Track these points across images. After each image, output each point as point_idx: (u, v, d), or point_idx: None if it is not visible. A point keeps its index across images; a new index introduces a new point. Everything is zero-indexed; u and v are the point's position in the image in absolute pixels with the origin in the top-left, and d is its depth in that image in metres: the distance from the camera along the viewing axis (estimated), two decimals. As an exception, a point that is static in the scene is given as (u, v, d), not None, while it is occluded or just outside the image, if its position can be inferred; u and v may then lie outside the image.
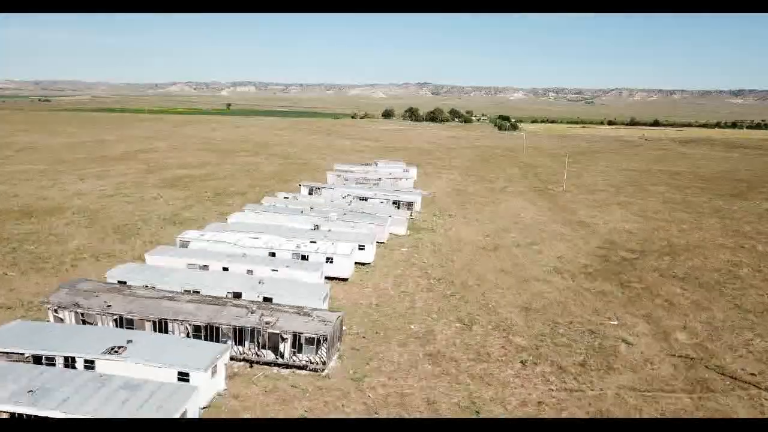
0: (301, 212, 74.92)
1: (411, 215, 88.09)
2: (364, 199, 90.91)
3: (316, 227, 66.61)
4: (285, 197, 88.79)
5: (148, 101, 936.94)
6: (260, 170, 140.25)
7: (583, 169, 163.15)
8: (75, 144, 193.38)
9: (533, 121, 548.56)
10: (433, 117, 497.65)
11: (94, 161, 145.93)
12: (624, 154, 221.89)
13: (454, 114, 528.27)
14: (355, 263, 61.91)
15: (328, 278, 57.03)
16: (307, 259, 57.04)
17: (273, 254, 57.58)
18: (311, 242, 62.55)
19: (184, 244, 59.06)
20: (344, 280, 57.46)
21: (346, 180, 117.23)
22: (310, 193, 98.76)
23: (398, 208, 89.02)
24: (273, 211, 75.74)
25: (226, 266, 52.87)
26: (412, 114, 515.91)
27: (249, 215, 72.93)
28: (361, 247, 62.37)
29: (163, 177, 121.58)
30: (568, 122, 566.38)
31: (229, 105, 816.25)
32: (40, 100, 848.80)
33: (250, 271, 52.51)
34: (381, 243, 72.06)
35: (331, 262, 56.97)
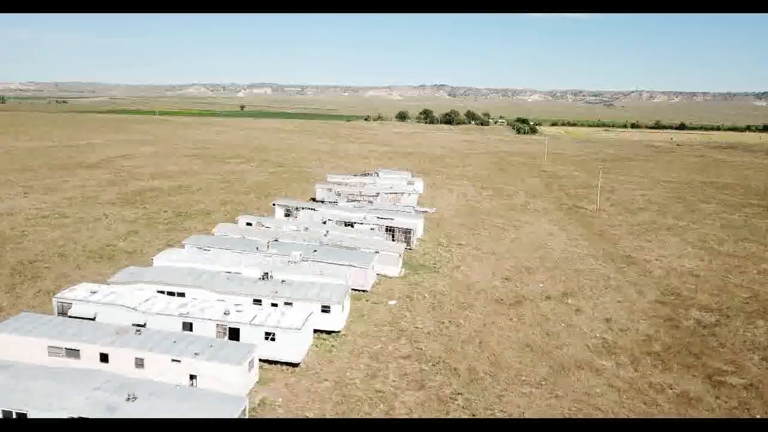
0: (257, 249, 56.39)
1: (409, 246, 69.33)
2: (350, 224, 72.24)
3: (266, 276, 47.93)
4: (248, 223, 70.30)
5: (164, 103, 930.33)
6: (244, 181, 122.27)
7: (616, 180, 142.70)
8: (57, 148, 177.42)
9: (552, 124, 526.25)
10: (449, 119, 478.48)
11: (61, 169, 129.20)
12: (657, 161, 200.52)
13: (470, 116, 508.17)
14: (318, 331, 43.40)
15: (269, 362, 38.55)
16: (237, 337, 38.44)
17: (190, 327, 39.11)
18: (255, 301, 44.10)
19: (63, 309, 40.76)
20: (294, 365, 38.84)
21: (338, 194, 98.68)
22: (287, 215, 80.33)
23: (393, 237, 70.25)
24: (221, 247, 57.31)
25: (105, 352, 34.58)
26: (426, 116, 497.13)
27: (185, 254, 54.49)
28: (326, 309, 43.69)
29: (125, 190, 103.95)
30: (588, 125, 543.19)
31: (242, 106, 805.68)
32: (57, 101, 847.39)
33: (139, 362, 34.17)
34: (363, 291, 53.50)
35: (273, 339, 38.32)
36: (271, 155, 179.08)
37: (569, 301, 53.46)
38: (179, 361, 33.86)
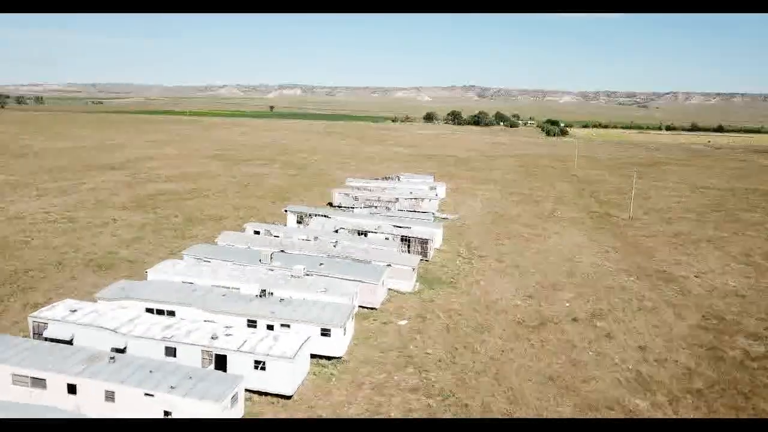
0: (260, 261, 52.65)
1: (425, 257, 64.88)
2: (363, 233, 68.11)
3: (264, 293, 44.09)
4: (255, 232, 66.73)
5: (196, 103, 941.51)
6: (262, 184, 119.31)
7: (650, 186, 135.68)
8: (81, 149, 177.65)
9: (584, 126, 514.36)
10: (477, 121, 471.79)
11: (83, 170, 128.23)
12: (695, 165, 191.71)
13: (499, 118, 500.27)
14: (318, 356, 39.42)
15: (259, 394, 34.69)
16: (224, 365, 34.64)
17: (173, 352, 35.48)
18: (249, 323, 40.30)
19: (39, 330, 37.51)
20: (286, 398, 34.87)
21: (356, 199, 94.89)
22: (299, 223, 76.69)
23: (408, 247, 65.96)
24: (222, 258, 53.78)
25: (73, 383, 31.13)
26: (454, 118, 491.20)
27: (182, 266, 51.01)
28: (326, 333, 39.64)
29: (139, 193, 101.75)
30: (621, 127, 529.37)
31: (272, 107, 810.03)
32: (93, 102, 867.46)
33: (109, 395, 30.62)
34: (372, 309, 49.37)
35: (263, 368, 34.42)
36: (293, 157, 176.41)
37: (598, 324, 48.39)
38: (153, 395, 30.19)
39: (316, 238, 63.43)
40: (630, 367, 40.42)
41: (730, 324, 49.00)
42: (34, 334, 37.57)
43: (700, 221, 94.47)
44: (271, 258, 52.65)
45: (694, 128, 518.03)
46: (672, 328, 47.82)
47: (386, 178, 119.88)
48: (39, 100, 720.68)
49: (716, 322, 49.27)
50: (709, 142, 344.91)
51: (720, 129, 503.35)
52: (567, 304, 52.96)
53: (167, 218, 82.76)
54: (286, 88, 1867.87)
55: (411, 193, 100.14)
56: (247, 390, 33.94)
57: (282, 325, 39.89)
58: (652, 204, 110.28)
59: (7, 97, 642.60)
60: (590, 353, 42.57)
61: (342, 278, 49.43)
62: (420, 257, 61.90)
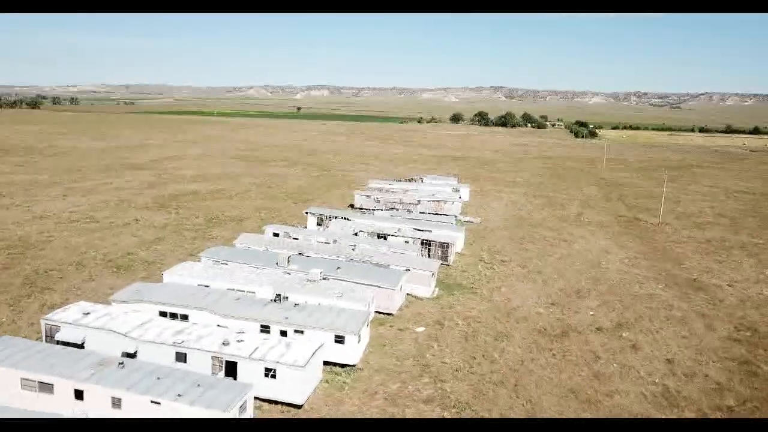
0: (276, 264, 51.99)
1: (446, 261, 63.57)
2: (383, 236, 67.04)
3: (279, 297, 43.33)
4: (274, 234, 66.17)
5: (224, 104, 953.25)
6: (284, 185, 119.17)
7: (681, 189, 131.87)
8: (111, 149, 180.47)
9: (614, 128, 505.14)
10: (504, 122, 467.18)
11: (109, 170, 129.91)
12: (728, 169, 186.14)
13: (527, 119, 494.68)
14: (331, 363, 38.53)
15: (269, 402, 33.92)
16: (234, 372, 33.94)
17: (184, 358, 34.91)
18: (262, 328, 39.57)
19: (51, 332, 37.33)
20: (297, 407, 34.02)
21: (377, 201, 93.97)
22: (319, 225, 76.02)
23: (428, 251, 64.72)
24: (239, 261, 53.25)
25: (80, 389, 30.73)
26: (481, 118, 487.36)
27: (198, 269, 50.59)
28: (339, 340, 38.71)
29: (162, 193, 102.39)
30: (653, 129, 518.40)
31: (299, 108, 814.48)
32: (126, 103, 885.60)
33: (116, 402, 30.14)
34: (388, 315, 48.32)
35: (274, 376, 33.62)
36: (317, 158, 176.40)
37: (624, 334, 46.50)
38: (159, 403, 29.59)
39: (335, 241, 62.57)
40: (656, 380, 38.58)
41: (764, 336, 46.65)
42: (46, 336, 37.43)
43: (733, 227, 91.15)
44: (288, 261, 51.97)
45: (728, 130, 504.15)
46: (702, 339, 45.69)
47: (409, 180, 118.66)
48: (74, 101, 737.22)
49: (749, 335, 46.96)
50: (745, 144, 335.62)
51: (756, 131, 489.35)
52: (591, 313, 51.14)
53: (188, 219, 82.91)
54: (313, 89, 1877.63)
55: (433, 195, 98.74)
56: (257, 398, 33.26)
57: (295, 331, 39.08)
58: (683, 208, 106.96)
59: (44, 98, 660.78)
60: (614, 365, 40.81)
61: (359, 283, 48.44)
62: (440, 262, 60.67)
